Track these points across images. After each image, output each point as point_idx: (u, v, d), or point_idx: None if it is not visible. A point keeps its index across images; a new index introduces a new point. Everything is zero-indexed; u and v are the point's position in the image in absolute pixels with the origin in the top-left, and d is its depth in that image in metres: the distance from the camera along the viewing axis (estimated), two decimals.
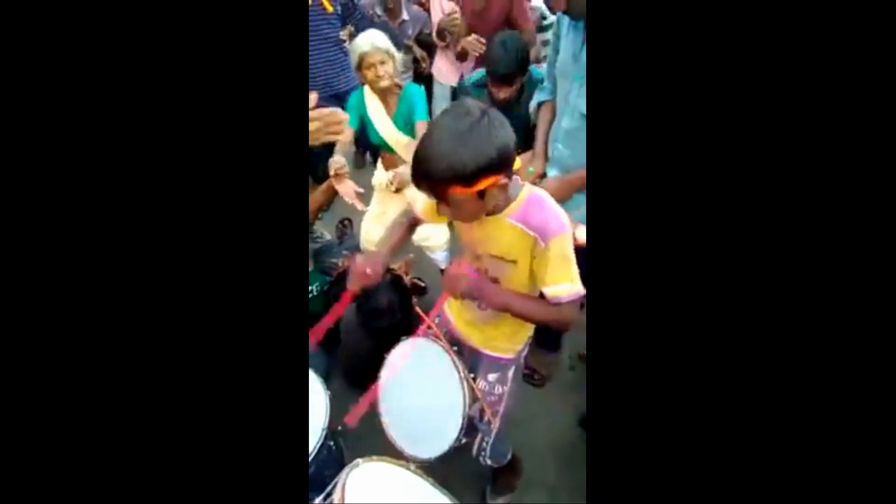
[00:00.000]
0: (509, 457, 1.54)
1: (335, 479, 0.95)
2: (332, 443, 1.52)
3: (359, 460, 1.00)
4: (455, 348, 1.28)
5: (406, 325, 1.63)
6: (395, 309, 1.81)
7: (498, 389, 1.32)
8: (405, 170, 1.99)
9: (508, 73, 1.88)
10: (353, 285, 1.19)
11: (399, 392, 1.32)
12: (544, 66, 1.81)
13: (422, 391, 1.30)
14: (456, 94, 2.49)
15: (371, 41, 1.88)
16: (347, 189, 1.88)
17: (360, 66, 1.93)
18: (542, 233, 1.01)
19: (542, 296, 1.07)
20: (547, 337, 1.96)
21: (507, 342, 1.27)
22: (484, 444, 1.40)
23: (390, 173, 2.05)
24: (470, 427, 1.29)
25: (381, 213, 2.20)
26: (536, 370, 1.99)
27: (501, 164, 0.90)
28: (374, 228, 2.22)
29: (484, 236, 1.10)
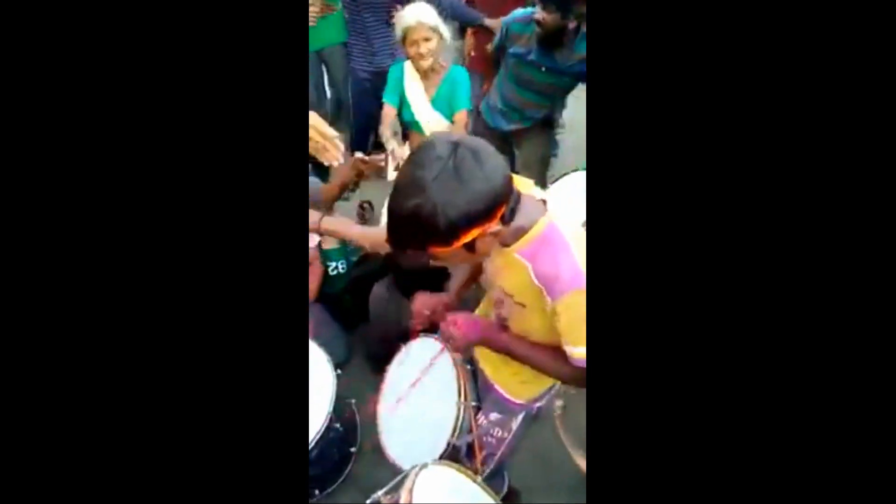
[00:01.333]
0: (503, 491, 1.41)
1: (406, 476, 0.92)
2: (338, 425, 1.54)
3: (428, 461, 0.97)
4: (470, 368, 1.18)
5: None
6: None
7: (497, 433, 1.18)
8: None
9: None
10: (416, 325, 1.18)
11: (400, 390, 1.28)
12: None
13: (420, 399, 1.24)
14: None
15: (417, 16, 1.78)
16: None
17: (403, 41, 1.85)
18: (550, 287, 0.82)
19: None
20: None
21: (520, 385, 1.12)
22: None
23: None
24: (454, 458, 1.18)
25: None
26: None
27: (482, 214, 0.72)
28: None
29: (497, 268, 0.94)
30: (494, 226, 0.75)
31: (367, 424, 1.66)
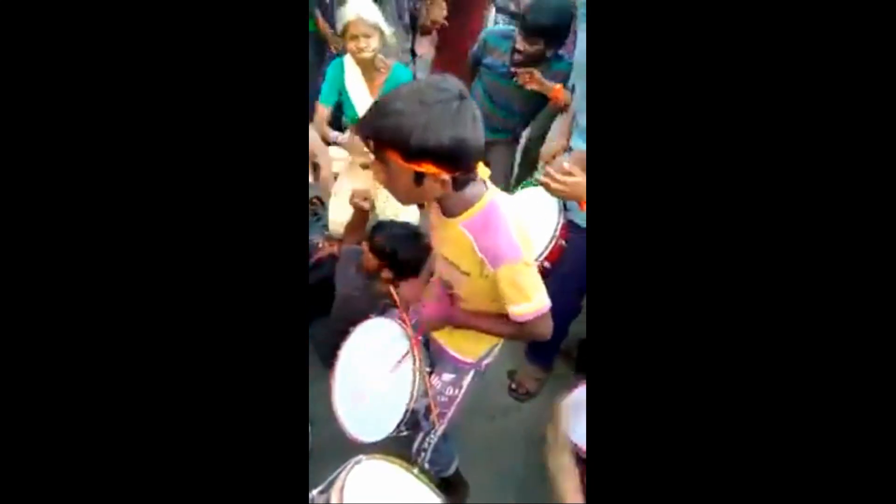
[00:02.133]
0: (451, 471, 1.47)
1: (336, 472, 0.92)
2: None
3: (361, 457, 0.95)
4: (421, 338, 1.24)
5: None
6: (420, 238, 1.63)
7: (450, 391, 1.25)
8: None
9: (542, 26, 1.74)
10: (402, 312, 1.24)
11: (354, 368, 1.31)
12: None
13: (375, 372, 1.27)
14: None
15: (357, 11, 1.74)
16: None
17: (343, 34, 1.80)
18: (492, 258, 0.92)
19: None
20: (539, 352, 1.85)
21: (470, 344, 1.21)
22: (425, 444, 1.33)
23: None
24: (414, 422, 1.25)
25: (347, 191, 2.00)
26: (522, 384, 1.89)
27: (450, 158, 0.80)
28: (341, 207, 2.05)
29: (441, 238, 1.03)
30: (446, 175, 0.83)
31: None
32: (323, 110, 1.95)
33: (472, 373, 1.24)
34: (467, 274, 0.99)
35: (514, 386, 1.90)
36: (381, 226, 1.71)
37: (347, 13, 1.76)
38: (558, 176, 1.18)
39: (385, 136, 0.81)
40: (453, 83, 0.82)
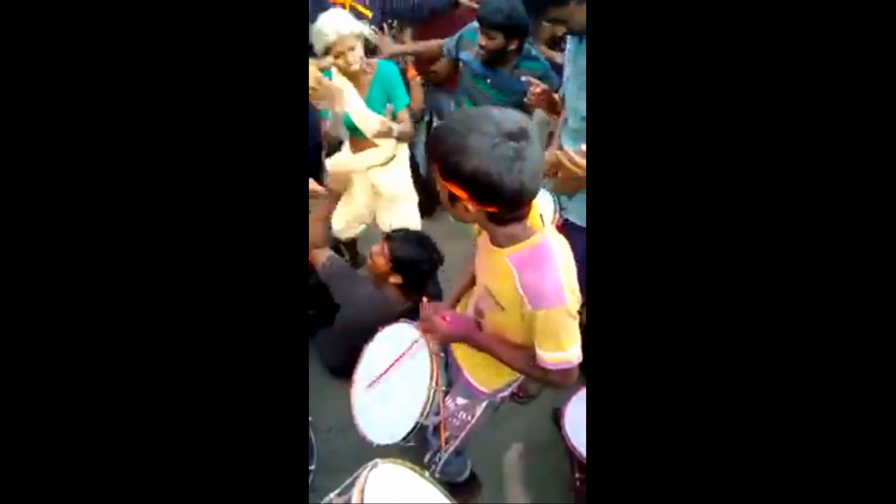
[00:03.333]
0: (465, 476, 1.49)
1: (353, 476, 0.92)
2: None
3: (377, 461, 0.97)
4: (443, 355, 1.25)
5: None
6: (432, 248, 1.67)
7: (462, 416, 1.25)
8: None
9: (495, 24, 1.83)
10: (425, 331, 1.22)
11: (375, 368, 1.34)
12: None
13: (394, 380, 1.30)
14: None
15: (336, 28, 1.67)
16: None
17: (326, 53, 1.73)
18: (533, 298, 0.89)
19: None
20: None
21: (487, 375, 1.20)
22: (437, 459, 1.33)
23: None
24: (422, 438, 1.27)
25: (346, 200, 2.02)
26: (523, 387, 1.88)
27: (477, 190, 0.79)
28: (340, 215, 2.06)
29: (485, 265, 1.01)
30: (472, 206, 0.82)
31: (322, 443, 1.69)
32: (326, 123, 1.97)
33: (485, 403, 1.24)
34: (503, 308, 0.96)
35: (514, 390, 1.90)
36: (395, 233, 1.72)
37: (327, 35, 1.68)
38: (577, 158, 1.15)
39: (431, 147, 0.83)
40: (515, 120, 0.79)
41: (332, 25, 1.67)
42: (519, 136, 0.77)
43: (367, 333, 1.43)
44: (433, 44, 2.21)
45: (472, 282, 1.22)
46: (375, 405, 1.30)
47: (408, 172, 2.05)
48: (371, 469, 0.90)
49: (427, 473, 1.02)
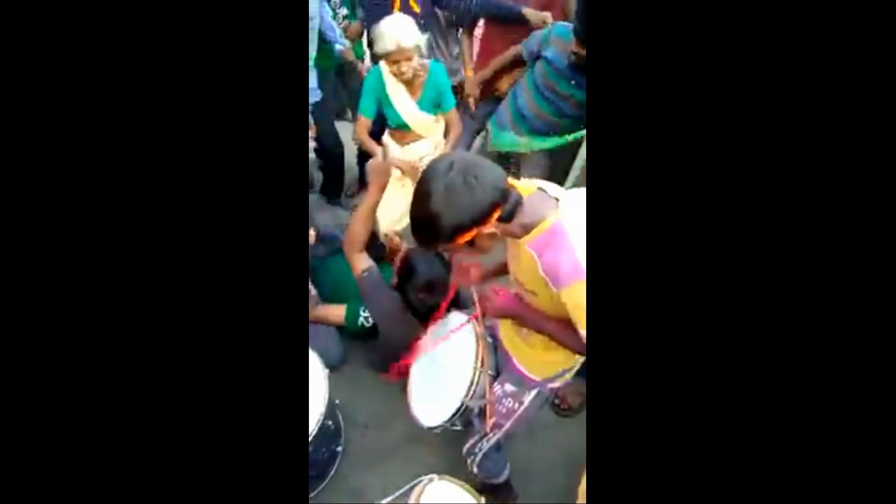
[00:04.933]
0: (501, 479, 1.45)
1: (411, 484, 0.97)
2: (329, 421, 1.54)
3: (434, 476, 1.02)
4: (491, 342, 1.27)
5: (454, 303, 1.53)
6: (442, 283, 1.61)
7: (510, 403, 1.23)
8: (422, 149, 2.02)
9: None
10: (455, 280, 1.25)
11: (431, 357, 1.39)
12: None
13: (442, 361, 1.34)
14: None
15: (397, 40, 1.72)
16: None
17: (384, 57, 1.81)
18: (553, 278, 0.91)
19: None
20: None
21: (537, 363, 1.18)
22: (476, 448, 1.31)
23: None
24: (467, 421, 1.26)
25: (395, 196, 2.09)
26: (566, 399, 1.83)
27: (477, 219, 0.84)
28: (387, 212, 2.12)
29: (512, 256, 1.05)
30: (490, 227, 0.86)
31: (351, 424, 1.72)
32: (365, 121, 1.99)
33: (535, 391, 1.21)
34: (534, 293, 1.00)
35: (556, 401, 1.84)
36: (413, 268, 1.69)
37: (387, 44, 1.75)
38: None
39: (427, 239, 0.88)
40: (440, 163, 0.85)
41: (393, 36, 1.72)
42: (454, 162, 0.84)
43: (400, 348, 1.47)
44: (509, 54, 2.17)
45: (503, 268, 1.24)
46: (426, 389, 1.33)
47: None
48: (427, 483, 0.88)
49: (483, 500, 1.02)
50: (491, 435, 1.26)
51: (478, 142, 2.68)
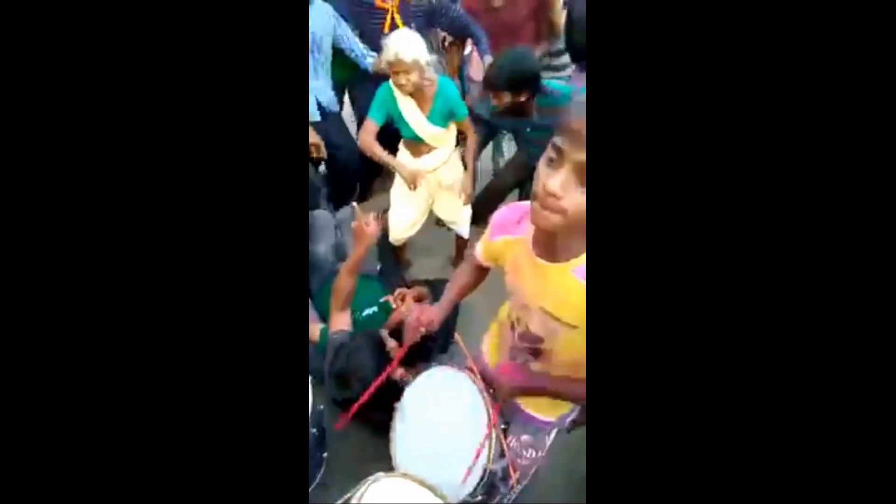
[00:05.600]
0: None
1: (354, 490, 0.89)
2: (314, 429, 1.53)
3: (380, 474, 0.93)
4: (492, 392, 1.15)
5: (383, 399, 1.28)
6: (366, 379, 1.38)
7: (531, 454, 1.19)
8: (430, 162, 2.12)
9: (498, 86, 1.97)
10: (409, 340, 1.14)
11: (418, 424, 1.19)
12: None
13: (443, 431, 1.16)
14: None
15: (396, 51, 1.83)
16: None
17: (387, 68, 1.92)
18: None
19: None
20: None
21: (549, 403, 1.12)
22: None
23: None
24: (490, 485, 1.16)
25: (407, 201, 2.22)
26: None
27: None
28: (398, 219, 2.25)
29: (539, 287, 0.89)
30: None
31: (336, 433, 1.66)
32: (371, 125, 2.03)
33: (554, 432, 1.17)
34: (575, 328, 0.85)
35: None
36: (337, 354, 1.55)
37: (388, 52, 1.85)
38: None
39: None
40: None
41: (395, 46, 1.83)
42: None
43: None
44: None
45: (461, 292, 1.18)
46: (421, 452, 1.15)
47: (461, 167, 2.24)
48: (371, 484, 0.87)
49: (439, 490, 0.95)
50: (516, 490, 1.20)
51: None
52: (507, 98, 1.97)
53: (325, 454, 1.61)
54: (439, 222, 2.42)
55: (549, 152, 0.70)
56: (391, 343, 1.52)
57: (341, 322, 1.66)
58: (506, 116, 2.10)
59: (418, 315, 1.11)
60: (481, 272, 1.15)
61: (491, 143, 2.79)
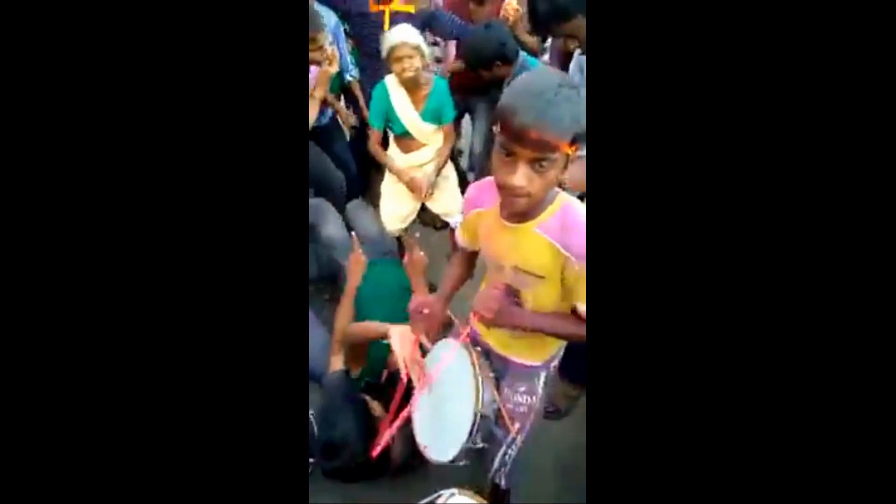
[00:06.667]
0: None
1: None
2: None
3: (454, 490, 1.00)
4: (479, 348, 1.21)
5: (372, 465, 1.32)
6: (356, 442, 1.39)
7: (525, 399, 1.24)
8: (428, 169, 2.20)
9: (476, 66, 2.10)
10: (416, 330, 1.20)
11: (427, 393, 1.27)
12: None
13: (444, 392, 1.25)
14: None
15: (402, 36, 1.97)
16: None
17: (388, 58, 2.03)
18: (579, 252, 0.92)
19: (574, 310, 1.00)
20: (572, 368, 1.80)
21: (534, 350, 1.20)
22: (507, 458, 1.31)
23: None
24: (488, 432, 1.22)
25: (397, 198, 2.25)
26: (553, 402, 1.85)
27: (577, 138, 0.82)
28: (391, 213, 2.27)
29: (509, 246, 1.01)
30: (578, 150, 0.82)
31: None
32: (375, 133, 2.20)
33: (543, 374, 1.22)
34: (543, 277, 0.98)
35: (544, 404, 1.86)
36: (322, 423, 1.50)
37: (393, 39, 1.99)
38: None
39: (563, 131, 0.81)
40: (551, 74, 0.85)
41: (399, 35, 1.98)
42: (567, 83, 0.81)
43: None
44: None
45: (460, 279, 1.24)
46: (434, 424, 1.23)
47: (450, 163, 2.34)
48: (448, 497, 0.93)
49: None
50: (518, 438, 1.25)
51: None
52: (486, 75, 2.09)
53: (311, 459, 1.51)
54: (429, 223, 2.49)
55: (500, 153, 0.82)
56: (378, 411, 1.49)
57: (337, 364, 1.61)
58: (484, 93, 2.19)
59: (419, 302, 1.20)
60: (470, 259, 1.24)
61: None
